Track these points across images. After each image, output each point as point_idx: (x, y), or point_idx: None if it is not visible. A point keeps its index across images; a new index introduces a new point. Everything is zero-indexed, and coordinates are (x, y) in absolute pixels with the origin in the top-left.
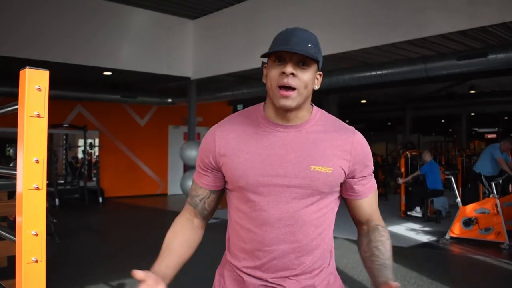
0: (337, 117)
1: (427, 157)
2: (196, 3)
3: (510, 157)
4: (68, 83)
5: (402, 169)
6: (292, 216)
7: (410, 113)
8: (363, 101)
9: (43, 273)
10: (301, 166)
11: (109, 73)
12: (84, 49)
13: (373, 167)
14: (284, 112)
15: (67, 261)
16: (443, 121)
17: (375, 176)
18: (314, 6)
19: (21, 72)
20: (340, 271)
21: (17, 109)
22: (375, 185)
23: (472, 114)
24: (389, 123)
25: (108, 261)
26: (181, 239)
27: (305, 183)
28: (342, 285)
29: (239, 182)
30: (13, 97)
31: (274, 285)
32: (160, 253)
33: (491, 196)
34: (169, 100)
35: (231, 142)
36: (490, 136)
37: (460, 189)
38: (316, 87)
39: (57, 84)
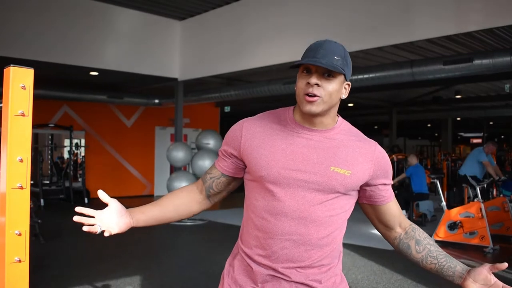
0: None
1: (413, 160)
2: (183, 4)
3: (495, 161)
4: (54, 83)
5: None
6: (307, 209)
7: (396, 117)
8: (350, 104)
9: (26, 273)
10: (322, 166)
11: (96, 73)
12: (70, 49)
13: (391, 180)
14: (309, 117)
15: (51, 262)
16: (429, 125)
17: None
18: (299, 10)
19: (5, 70)
20: None
21: (1, 107)
22: (394, 195)
23: (458, 118)
24: (375, 127)
25: (93, 262)
26: (174, 198)
27: (323, 181)
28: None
29: (261, 171)
30: None
31: (281, 275)
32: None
33: (475, 200)
34: (156, 101)
35: (258, 135)
36: (475, 140)
37: (445, 193)
38: (344, 96)
39: (43, 84)
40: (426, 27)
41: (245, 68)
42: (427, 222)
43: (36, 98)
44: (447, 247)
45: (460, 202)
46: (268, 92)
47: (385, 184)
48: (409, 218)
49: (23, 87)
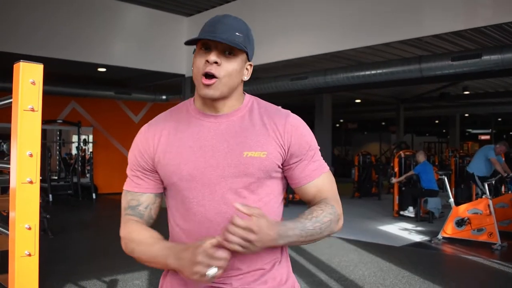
0: (331, 117)
1: (421, 157)
2: (190, 1)
3: (503, 159)
4: (62, 79)
5: (396, 169)
6: (230, 208)
7: (403, 113)
8: (357, 101)
9: (36, 267)
10: (234, 154)
11: (104, 69)
12: (78, 45)
13: (316, 149)
14: (211, 102)
15: (60, 256)
16: (437, 121)
17: (368, 176)
18: (306, 6)
19: (15, 66)
20: (332, 270)
21: (11, 102)
22: (324, 168)
23: (466, 115)
24: (383, 123)
25: (101, 257)
26: (149, 234)
27: (239, 171)
28: (296, 284)
29: (172, 178)
30: (6, 92)
31: (220, 285)
32: (145, 247)
33: (483, 196)
34: (163, 97)
35: (163, 139)
36: (483, 137)
37: (453, 189)
38: (246, 78)
39: (51, 80)
40: (434, 22)
41: (253, 64)
42: (434, 219)
43: (44, 94)
44: (455, 244)
45: (468, 199)
46: (275, 88)
47: (301, 160)
48: (417, 214)
49: (33, 83)
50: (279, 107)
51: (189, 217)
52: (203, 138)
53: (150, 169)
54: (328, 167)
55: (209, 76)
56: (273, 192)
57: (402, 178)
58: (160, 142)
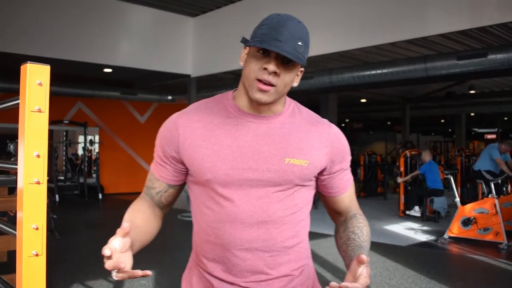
0: (337, 116)
1: (427, 157)
2: (196, 1)
3: (510, 157)
4: (68, 80)
5: (402, 169)
6: (265, 211)
7: (409, 113)
8: (363, 100)
9: (43, 267)
10: (275, 159)
11: (109, 70)
12: (84, 46)
13: (350, 161)
14: (256, 105)
15: (67, 257)
16: (442, 121)
17: (374, 175)
18: (314, 5)
19: (22, 67)
20: (338, 270)
21: (18, 104)
22: (352, 178)
23: (472, 114)
24: (388, 123)
25: None
26: (143, 217)
27: (279, 177)
28: None
29: (206, 175)
30: (13, 94)
31: None
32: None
33: (490, 196)
34: (169, 97)
35: (197, 131)
36: (489, 136)
37: (459, 189)
38: (295, 84)
39: (57, 81)
40: (440, 22)
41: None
42: (440, 218)
43: (51, 94)
44: (461, 243)
45: (474, 198)
46: None
47: (342, 170)
48: (423, 214)
49: (40, 84)
50: (318, 115)
51: (220, 215)
52: (242, 138)
53: (172, 158)
54: (352, 177)
55: (266, 83)
56: (306, 199)
57: (408, 177)
58: (192, 134)
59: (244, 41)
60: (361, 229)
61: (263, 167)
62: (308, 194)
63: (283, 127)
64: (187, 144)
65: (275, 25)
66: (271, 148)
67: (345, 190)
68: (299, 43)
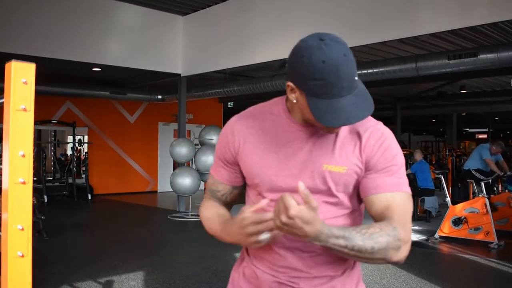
0: None
1: (418, 156)
2: None
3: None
4: (57, 79)
5: None
6: None
7: (400, 112)
8: None
9: (29, 268)
10: (315, 165)
11: (99, 69)
12: (73, 45)
13: (400, 167)
14: None
15: (55, 258)
16: (434, 120)
17: None
18: (302, 4)
19: (7, 65)
20: None
21: (2, 102)
22: (404, 187)
23: (463, 114)
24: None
25: (97, 258)
26: (223, 209)
27: (316, 183)
28: None
29: (255, 179)
30: None
31: (289, 284)
32: (219, 222)
33: (480, 195)
34: (159, 96)
35: (250, 137)
36: (480, 136)
37: (450, 188)
38: None
39: (45, 80)
40: (431, 21)
41: (249, 63)
42: (431, 218)
43: (39, 94)
44: (452, 243)
45: (465, 198)
46: (272, 87)
47: (379, 171)
48: (414, 213)
49: (25, 82)
50: (370, 116)
51: None
52: (288, 145)
53: (232, 162)
54: (409, 189)
55: None
56: (348, 205)
57: (408, 171)
58: (246, 140)
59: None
60: (376, 227)
61: (303, 174)
62: (350, 201)
63: (328, 135)
64: (241, 149)
65: (334, 80)
66: (313, 155)
67: (376, 191)
68: (356, 78)
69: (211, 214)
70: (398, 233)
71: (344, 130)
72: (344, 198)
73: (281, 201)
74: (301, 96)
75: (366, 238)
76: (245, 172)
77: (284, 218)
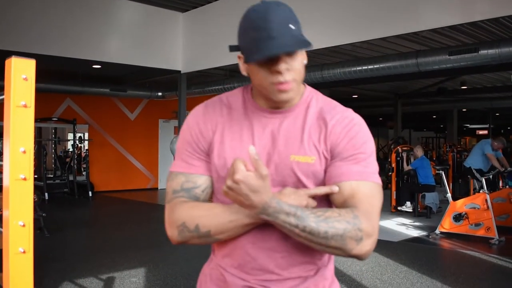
0: None
1: (419, 153)
2: None
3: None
4: (57, 76)
5: (393, 164)
6: None
7: (401, 109)
8: (354, 96)
9: (30, 264)
10: (281, 156)
11: (98, 66)
12: (72, 42)
13: (369, 156)
14: (280, 103)
15: (56, 255)
16: (434, 116)
17: None
18: (304, 1)
19: (7, 61)
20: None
21: (3, 99)
22: (372, 177)
23: (464, 110)
24: (380, 118)
25: (98, 255)
26: (213, 204)
27: (286, 175)
28: None
29: (221, 172)
30: None
31: (258, 287)
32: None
33: (481, 191)
34: (159, 93)
35: (220, 126)
36: (481, 132)
37: (451, 184)
38: (305, 61)
39: (45, 77)
40: (431, 17)
41: None
42: (432, 214)
43: (39, 91)
44: (453, 239)
45: (466, 194)
46: None
47: (341, 159)
48: (414, 209)
49: (25, 78)
50: (338, 103)
51: None
52: (257, 135)
53: (205, 151)
54: (378, 180)
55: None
56: (320, 198)
57: (409, 168)
58: (217, 129)
59: (234, 49)
60: (334, 212)
61: (272, 165)
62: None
63: (296, 121)
64: (214, 138)
65: (260, 24)
66: (281, 145)
67: (340, 179)
68: (291, 26)
69: (204, 210)
70: (359, 222)
71: (310, 118)
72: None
73: (232, 165)
74: (245, 64)
75: (320, 220)
76: (216, 163)
77: (229, 182)
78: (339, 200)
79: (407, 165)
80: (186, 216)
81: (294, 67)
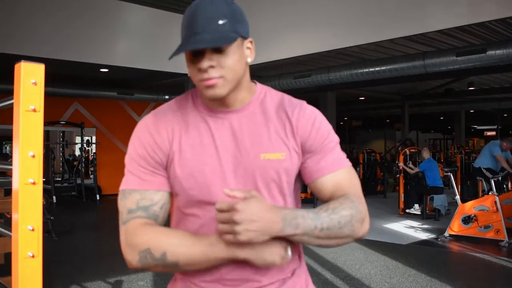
0: (335, 114)
1: (426, 155)
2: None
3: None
4: (64, 80)
5: (401, 167)
6: None
7: (408, 110)
8: (362, 98)
9: (39, 268)
10: (250, 157)
11: (106, 70)
12: (80, 46)
13: (336, 143)
14: (219, 101)
15: (64, 258)
16: (441, 118)
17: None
18: (311, 3)
19: (16, 66)
20: (338, 269)
21: (12, 103)
22: (345, 162)
23: (471, 111)
24: (387, 120)
25: (106, 258)
26: (181, 232)
27: (258, 175)
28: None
29: (189, 182)
30: (7, 94)
31: None
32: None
33: (490, 193)
34: (166, 97)
35: (177, 134)
36: (489, 133)
37: (459, 186)
38: (250, 59)
39: (53, 81)
40: (439, 18)
41: (256, 62)
42: (441, 217)
43: (47, 95)
44: (462, 241)
45: (474, 196)
46: (279, 86)
47: (315, 153)
48: (422, 212)
49: (34, 83)
50: (291, 97)
51: (205, 224)
52: (216, 137)
53: (162, 164)
54: (349, 163)
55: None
56: (292, 194)
57: (416, 170)
58: (174, 137)
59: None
60: (336, 203)
61: (240, 167)
62: (295, 190)
63: (255, 119)
64: (172, 149)
65: (189, 20)
66: (245, 145)
67: (322, 173)
68: (220, 21)
69: (175, 238)
70: (357, 205)
71: (270, 114)
72: (289, 186)
73: (219, 212)
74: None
75: (330, 213)
76: (174, 176)
77: (239, 228)
78: (327, 194)
79: (415, 166)
80: (152, 241)
81: (224, 63)
